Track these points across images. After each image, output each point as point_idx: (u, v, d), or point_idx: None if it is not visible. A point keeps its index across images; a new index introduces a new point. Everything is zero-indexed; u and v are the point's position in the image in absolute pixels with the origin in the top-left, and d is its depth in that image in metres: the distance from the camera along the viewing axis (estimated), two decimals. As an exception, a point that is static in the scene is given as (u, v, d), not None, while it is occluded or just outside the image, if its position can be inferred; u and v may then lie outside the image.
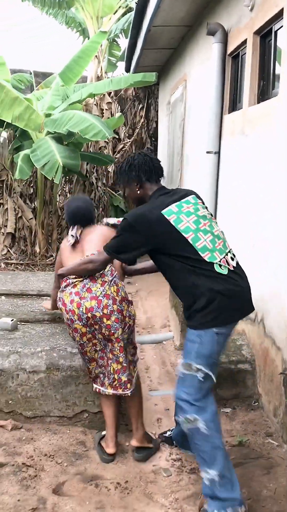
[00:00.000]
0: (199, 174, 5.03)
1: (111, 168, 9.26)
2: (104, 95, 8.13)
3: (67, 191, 8.27)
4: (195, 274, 2.26)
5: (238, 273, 2.34)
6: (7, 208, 7.07)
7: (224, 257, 2.30)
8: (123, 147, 9.63)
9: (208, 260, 2.26)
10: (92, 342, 2.68)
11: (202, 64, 5.15)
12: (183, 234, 2.27)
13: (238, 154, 3.86)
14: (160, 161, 2.54)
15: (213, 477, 2.18)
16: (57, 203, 7.93)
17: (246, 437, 2.91)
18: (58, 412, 2.92)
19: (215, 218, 4.56)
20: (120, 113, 7.35)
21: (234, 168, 4.00)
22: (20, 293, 4.03)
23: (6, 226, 7.07)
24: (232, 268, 2.31)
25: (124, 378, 2.67)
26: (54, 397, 2.90)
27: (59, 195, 8.61)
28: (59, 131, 5.83)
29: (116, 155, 9.47)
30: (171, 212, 2.30)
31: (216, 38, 4.25)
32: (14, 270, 6.58)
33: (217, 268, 2.26)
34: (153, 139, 10.18)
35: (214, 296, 2.23)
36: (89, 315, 2.59)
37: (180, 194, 2.42)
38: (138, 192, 2.46)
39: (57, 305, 2.80)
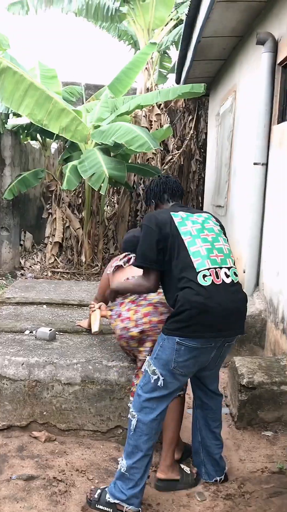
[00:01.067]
0: (246, 186, 4.90)
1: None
2: (153, 106, 8.14)
3: (115, 201, 8.32)
4: (179, 281, 2.29)
5: (224, 289, 2.28)
6: (55, 218, 7.18)
7: (214, 268, 2.29)
8: (171, 159, 9.60)
9: (195, 267, 2.27)
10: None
11: (251, 74, 5.04)
12: (182, 236, 2.34)
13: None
14: (177, 182, 2.68)
15: (122, 466, 2.32)
16: (105, 213, 8.00)
17: (286, 464, 2.75)
18: (92, 426, 2.88)
19: (262, 232, 4.41)
20: (168, 125, 7.31)
21: (282, 180, 3.85)
22: (61, 303, 4.04)
23: (54, 235, 7.19)
24: (218, 282, 2.27)
25: None
26: (89, 411, 2.86)
27: (107, 206, 8.68)
28: (106, 143, 5.87)
29: (164, 166, 9.45)
30: (178, 215, 2.42)
31: (266, 48, 4.14)
32: (60, 279, 6.66)
33: (199, 279, 2.25)
34: (202, 150, 10.09)
35: (185, 306, 2.23)
36: (146, 320, 2.63)
37: (194, 210, 2.54)
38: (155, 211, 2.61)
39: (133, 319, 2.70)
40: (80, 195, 7.60)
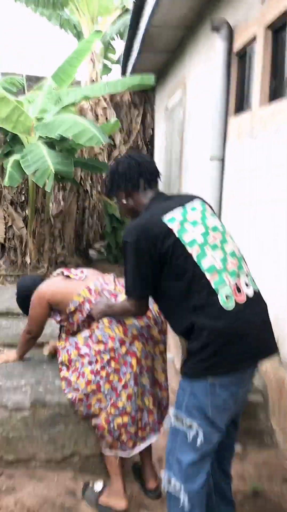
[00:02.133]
0: (200, 182, 4.68)
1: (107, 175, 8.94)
2: (99, 99, 7.80)
3: (60, 199, 7.91)
4: (192, 305, 1.80)
5: (250, 305, 1.82)
6: (-4, 217, 6.68)
7: (235, 284, 1.81)
8: (118, 154, 9.29)
9: (213, 286, 1.78)
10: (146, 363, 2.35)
11: (203, 65, 4.82)
12: (187, 248, 1.81)
13: (246, 159, 3.51)
14: (152, 161, 2.12)
15: None
16: (50, 211, 7.57)
17: (260, 484, 2.53)
18: (44, 456, 2.53)
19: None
20: (116, 119, 7.00)
21: (240, 175, 3.65)
22: (5, 312, 3.65)
23: (-5, 235, 6.68)
24: (242, 300, 1.80)
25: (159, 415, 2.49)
26: (40, 438, 2.51)
27: (52, 203, 8.25)
28: (51, 136, 5.47)
29: (111, 161, 9.13)
30: (173, 220, 1.86)
31: (221, 35, 3.92)
32: (3, 284, 6.19)
33: (222, 302, 1.77)
34: (150, 146, 9.85)
35: (210, 338, 1.75)
36: (163, 317, 2.33)
37: (185, 199, 2.00)
38: (128, 203, 2.06)
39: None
40: (23, 192, 7.12)
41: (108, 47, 9.59)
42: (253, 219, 3.34)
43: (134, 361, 2.25)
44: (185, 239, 1.83)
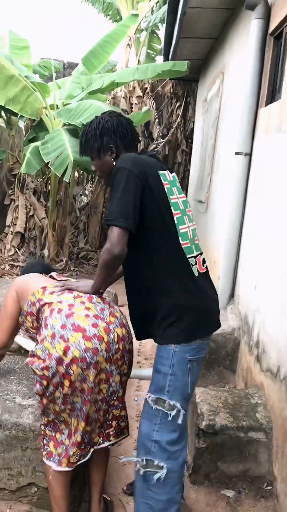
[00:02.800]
0: (228, 180, 4.22)
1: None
2: (134, 88, 7.41)
3: (87, 191, 7.61)
4: (168, 267, 1.84)
5: (206, 278, 1.97)
6: (18, 205, 6.45)
7: (198, 255, 1.93)
8: (155, 148, 8.89)
9: (185, 252, 1.87)
10: (100, 387, 1.94)
11: (241, 52, 4.34)
12: (172, 208, 1.85)
13: (273, 156, 3.03)
14: (132, 125, 2.00)
15: None
16: (77, 203, 7.29)
17: None
18: (-3, 483, 2.19)
19: (241, 234, 3.74)
20: (148, 108, 6.59)
21: (267, 174, 3.17)
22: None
23: (15, 224, 6.45)
24: (203, 271, 1.94)
25: (123, 424, 2.11)
26: (-7, 463, 2.17)
27: (81, 195, 7.96)
28: (73, 123, 5.14)
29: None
30: (165, 178, 1.89)
31: (256, 13, 3.45)
32: (18, 274, 5.94)
33: (191, 266, 1.87)
34: (189, 140, 9.40)
35: (185, 309, 1.84)
36: (121, 346, 1.96)
37: (166, 166, 1.98)
38: (114, 163, 1.89)
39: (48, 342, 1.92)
40: (49, 181, 6.86)
41: (152, 36, 9.18)
42: (278, 220, 2.86)
43: (67, 383, 1.86)
44: (171, 199, 1.86)
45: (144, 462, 1.85)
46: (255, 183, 3.48)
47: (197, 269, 1.89)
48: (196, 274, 1.88)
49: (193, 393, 1.94)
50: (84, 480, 2.29)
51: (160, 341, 1.86)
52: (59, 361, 1.84)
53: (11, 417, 2.15)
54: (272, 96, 3.42)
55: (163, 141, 9.00)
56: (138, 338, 2.02)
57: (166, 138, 9.03)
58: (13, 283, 2.23)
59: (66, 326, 1.87)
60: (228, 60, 5.20)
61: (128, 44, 7.75)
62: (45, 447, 2.00)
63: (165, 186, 1.85)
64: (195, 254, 1.90)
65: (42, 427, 2.02)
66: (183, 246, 1.85)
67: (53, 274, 2.32)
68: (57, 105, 5.92)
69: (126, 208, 1.72)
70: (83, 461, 2.00)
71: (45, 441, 2.01)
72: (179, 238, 1.85)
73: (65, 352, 1.83)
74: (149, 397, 1.88)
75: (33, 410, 2.17)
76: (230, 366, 3.55)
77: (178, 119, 9.21)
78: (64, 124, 5.64)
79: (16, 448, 2.15)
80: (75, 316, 1.90)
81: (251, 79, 3.52)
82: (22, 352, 2.82)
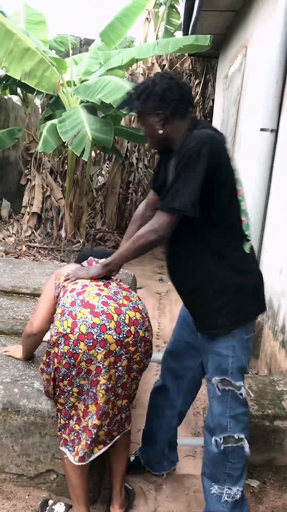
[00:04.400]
0: (251, 157, 4.05)
1: (157, 149, 8.38)
2: (153, 64, 7.20)
3: (104, 172, 7.47)
4: (231, 248, 1.82)
5: (254, 254, 1.96)
6: (34, 185, 6.35)
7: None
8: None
9: (244, 230, 1.84)
10: (109, 373, 1.83)
11: (266, 23, 4.13)
12: (237, 185, 1.81)
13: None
14: (190, 86, 1.97)
15: (236, 493, 1.95)
16: (94, 183, 7.17)
17: (275, 538, 2.02)
18: (15, 469, 2.14)
19: (265, 215, 3.60)
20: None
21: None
22: (10, 290, 3.27)
23: (32, 205, 6.37)
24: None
25: (124, 416, 2.00)
26: (11, 449, 2.11)
27: (98, 175, 7.84)
28: (91, 100, 4.99)
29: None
30: (229, 150, 1.81)
31: (285, -20, 3.25)
32: (35, 255, 5.88)
33: (245, 246, 1.84)
34: (209, 119, 9.16)
35: (249, 286, 1.85)
36: (133, 330, 1.85)
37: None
38: (161, 131, 1.81)
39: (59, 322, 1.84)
40: (66, 161, 6.74)
41: (171, 11, 8.89)
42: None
43: (76, 362, 1.78)
44: (235, 175, 1.81)
45: (222, 440, 1.91)
46: (282, 160, 3.32)
47: (251, 245, 1.89)
48: (249, 252, 1.86)
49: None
50: (104, 465, 2.23)
51: (225, 329, 1.84)
52: (67, 338, 1.77)
53: (29, 402, 2.08)
54: (301, 69, 3.24)
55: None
56: (201, 329, 1.94)
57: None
58: (53, 274, 2.14)
59: (76, 303, 1.82)
60: (251, 34, 4.97)
61: (147, 19, 7.52)
62: (62, 434, 1.94)
63: (232, 163, 1.80)
64: (250, 230, 1.89)
65: (58, 414, 1.95)
66: (243, 223, 1.84)
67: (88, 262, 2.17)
68: (74, 82, 5.76)
69: (189, 195, 1.67)
70: (94, 457, 1.92)
71: (60, 428, 1.95)
72: (241, 214, 1.84)
73: (72, 329, 1.76)
74: (213, 379, 1.90)
75: (52, 396, 2.10)
76: (253, 351, 3.43)
77: (197, 97, 8.97)
78: (82, 102, 5.50)
79: (35, 434, 2.08)
80: (86, 293, 1.85)
81: (278, 52, 3.33)
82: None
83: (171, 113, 1.78)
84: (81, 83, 5.55)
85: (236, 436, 1.90)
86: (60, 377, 1.83)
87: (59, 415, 1.95)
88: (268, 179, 3.52)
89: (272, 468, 2.43)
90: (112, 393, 1.87)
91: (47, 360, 1.91)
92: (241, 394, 1.89)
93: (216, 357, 1.88)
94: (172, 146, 1.83)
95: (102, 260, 2.01)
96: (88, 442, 1.86)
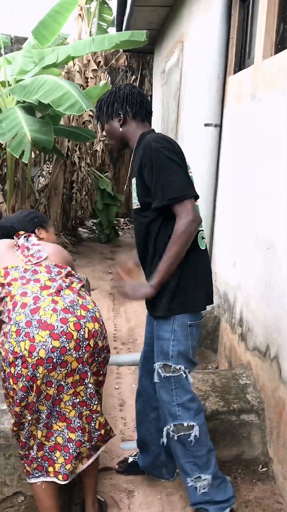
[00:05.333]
0: (195, 154, 4.07)
1: (99, 147, 8.28)
2: (89, 61, 7.11)
3: (45, 172, 7.29)
4: None
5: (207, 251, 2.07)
6: (-27, 191, 6.09)
7: (202, 230, 2.01)
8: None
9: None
10: (76, 390, 1.78)
11: (202, 17, 4.15)
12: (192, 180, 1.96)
13: (247, 126, 2.90)
14: (149, 97, 1.98)
15: (209, 480, 1.99)
16: (36, 185, 6.98)
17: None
18: (-20, 495, 2.02)
19: (214, 210, 3.62)
20: (105, 81, 6.32)
21: (240, 144, 3.04)
22: None
23: (-28, 211, 6.10)
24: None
25: (101, 420, 1.91)
26: (-26, 474, 1.99)
27: (39, 176, 7.64)
28: (28, 100, 4.83)
29: (104, 132, 8.46)
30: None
31: (220, -25, 3.26)
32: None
33: (199, 239, 1.95)
34: (147, 115, 9.18)
35: (193, 278, 1.94)
36: (92, 343, 1.79)
37: None
38: (121, 129, 2.02)
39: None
40: (5, 163, 6.51)
41: (102, 7, 8.78)
42: (255, 193, 2.74)
43: (34, 386, 1.71)
44: (189, 173, 1.96)
45: (173, 428, 1.95)
46: (227, 155, 3.35)
47: (205, 243, 2.01)
48: (204, 248, 1.98)
49: (195, 359, 2.03)
50: (73, 481, 2.15)
51: (166, 312, 1.91)
52: (24, 361, 1.68)
53: (-10, 424, 1.97)
54: (241, 63, 3.27)
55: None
56: (149, 311, 2.06)
57: (124, 113, 8.78)
58: None
59: (32, 324, 1.72)
60: (187, 29, 4.99)
61: (79, 15, 7.38)
62: (25, 465, 1.87)
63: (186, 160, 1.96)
64: (202, 228, 1.99)
65: (18, 442, 1.86)
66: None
67: (21, 239, 2.08)
68: (8, 82, 5.56)
69: (184, 179, 1.83)
70: (74, 475, 1.86)
71: (22, 458, 1.87)
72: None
73: (30, 353, 1.67)
74: (156, 364, 1.96)
75: (14, 415, 1.99)
76: (211, 345, 3.47)
77: (135, 93, 8.96)
78: (18, 102, 5.32)
79: (-2, 456, 1.97)
80: (41, 311, 1.74)
81: (218, 46, 3.36)
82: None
83: (131, 115, 1.99)
84: (16, 83, 5.37)
85: (185, 424, 1.94)
86: (17, 401, 1.73)
87: (19, 445, 1.85)
88: (215, 173, 3.54)
89: (241, 462, 2.45)
90: (84, 407, 1.80)
91: (3, 376, 1.81)
92: (183, 378, 1.93)
93: (159, 341, 1.96)
94: (128, 146, 2.06)
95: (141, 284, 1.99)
96: (68, 458, 1.79)
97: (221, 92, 3.40)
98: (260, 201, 2.60)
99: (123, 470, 2.41)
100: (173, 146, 1.88)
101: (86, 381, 1.79)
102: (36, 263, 1.95)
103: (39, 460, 1.82)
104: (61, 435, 1.78)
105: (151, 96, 8.81)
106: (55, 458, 1.81)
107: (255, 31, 2.92)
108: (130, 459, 2.42)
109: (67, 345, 1.71)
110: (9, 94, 5.36)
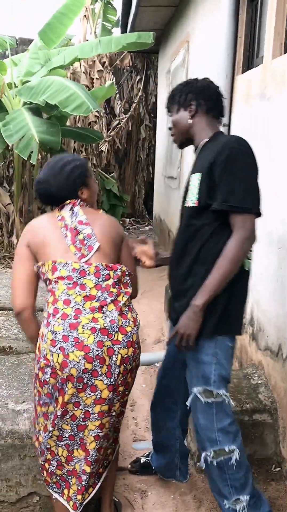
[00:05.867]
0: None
1: (104, 147, 8.29)
2: (94, 62, 7.12)
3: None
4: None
5: None
6: (-20, 192, 6.11)
7: None
8: (118, 124, 8.64)
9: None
10: (102, 421, 1.75)
11: (208, 17, 4.15)
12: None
13: (256, 125, 2.90)
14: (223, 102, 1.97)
15: (247, 501, 1.86)
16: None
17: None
18: (-5, 496, 2.03)
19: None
20: (111, 82, 6.33)
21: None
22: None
23: (-21, 212, 6.13)
24: None
25: (108, 451, 1.90)
26: (-11, 475, 2.00)
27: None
28: (35, 102, 4.84)
29: (110, 132, 8.48)
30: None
31: (227, -26, 3.26)
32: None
33: (248, 263, 1.83)
34: (152, 115, 9.19)
35: (244, 296, 1.87)
36: (122, 369, 1.73)
37: None
38: (190, 121, 1.88)
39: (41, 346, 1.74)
40: (12, 165, 6.54)
41: (107, 7, 8.79)
42: (265, 193, 2.73)
43: (60, 399, 1.70)
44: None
45: (213, 454, 1.84)
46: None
47: (250, 264, 1.87)
48: (248, 269, 1.86)
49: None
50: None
51: (210, 334, 1.78)
52: (54, 372, 1.67)
53: (5, 424, 1.98)
54: (249, 63, 3.27)
55: (125, 117, 8.76)
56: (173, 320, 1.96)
57: (129, 113, 8.79)
58: (23, 230, 1.87)
59: (69, 339, 1.66)
60: (193, 28, 4.99)
61: (85, 16, 7.39)
62: (43, 472, 1.86)
63: None
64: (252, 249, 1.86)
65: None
66: None
67: (66, 213, 1.83)
68: (15, 83, 5.58)
69: (255, 193, 1.72)
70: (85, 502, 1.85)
71: (40, 465, 1.87)
72: None
73: (61, 368, 1.65)
74: (195, 389, 1.84)
75: (28, 415, 2.00)
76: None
77: (140, 93, 8.98)
78: (25, 103, 5.33)
79: (14, 457, 1.98)
80: (80, 328, 1.67)
81: (225, 45, 3.34)
82: (7, 350, 2.63)
83: (205, 109, 1.86)
84: (22, 84, 5.38)
85: (226, 449, 1.83)
86: (40, 401, 1.73)
87: (37, 454, 1.86)
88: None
89: (254, 462, 2.44)
90: (105, 440, 1.79)
91: (34, 373, 1.80)
92: (226, 403, 1.82)
93: (198, 365, 1.83)
94: (192, 142, 1.92)
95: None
96: (80, 488, 1.78)
97: (229, 91, 3.39)
98: (271, 200, 2.60)
99: (135, 470, 2.41)
100: (251, 149, 1.76)
101: (111, 410, 1.76)
102: (86, 261, 1.76)
103: (58, 478, 1.82)
104: (79, 463, 1.78)
105: (155, 96, 8.84)
106: (71, 483, 1.81)
107: (263, 30, 2.92)
108: (143, 460, 2.42)
109: (99, 369, 1.67)
110: (16, 96, 5.38)
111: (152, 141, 9.21)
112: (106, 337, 1.68)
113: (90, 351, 1.65)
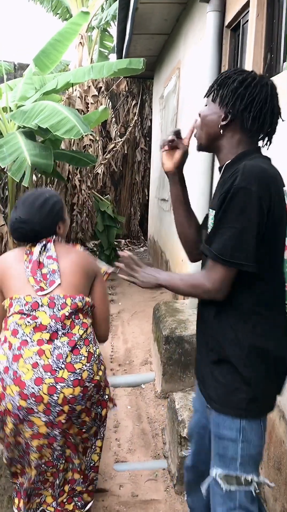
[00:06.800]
0: (192, 175, 4.15)
1: (100, 169, 8.41)
2: (89, 87, 7.27)
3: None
4: (279, 314, 1.42)
5: None
6: (-26, 214, 6.18)
7: None
8: (114, 147, 8.78)
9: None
10: (41, 453, 1.75)
11: (196, 45, 4.29)
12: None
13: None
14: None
15: None
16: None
17: None
18: None
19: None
20: (105, 106, 6.46)
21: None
22: None
23: (-27, 233, 6.18)
24: None
25: (79, 488, 1.89)
26: None
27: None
28: (28, 125, 4.95)
29: (106, 155, 8.61)
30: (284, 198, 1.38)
31: (211, 6, 3.38)
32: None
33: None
34: (148, 139, 9.35)
35: (279, 365, 1.43)
36: (66, 408, 1.66)
37: None
38: (219, 125, 1.44)
39: None
40: (6, 187, 6.63)
41: (103, 34, 9.04)
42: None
43: (6, 428, 1.73)
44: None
45: None
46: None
47: None
48: None
49: None
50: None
51: (238, 411, 1.40)
52: None
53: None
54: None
55: (121, 140, 8.90)
56: (207, 399, 1.50)
57: (124, 137, 8.94)
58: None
59: (8, 371, 1.63)
60: (183, 56, 5.14)
61: (80, 43, 7.59)
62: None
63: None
64: None
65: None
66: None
67: (37, 248, 1.79)
68: (10, 108, 5.71)
69: (246, 244, 1.30)
70: None
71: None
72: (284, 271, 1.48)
73: (0, 400, 1.67)
74: (214, 472, 1.44)
75: (4, 435, 2.02)
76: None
77: (135, 117, 9.14)
78: (19, 127, 5.44)
79: (-11, 477, 1.99)
80: (21, 362, 1.62)
81: (211, 73, 3.46)
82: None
83: (241, 120, 1.41)
84: (17, 108, 5.50)
85: None
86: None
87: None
88: (209, 193, 3.62)
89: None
90: (50, 467, 1.80)
91: None
92: (253, 491, 1.42)
93: (220, 441, 1.43)
94: (217, 154, 1.52)
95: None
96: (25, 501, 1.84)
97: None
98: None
99: None
100: (264, 189, 1.29)
101: (54, 444, 1.73)
102: (44, 294, 1.72)
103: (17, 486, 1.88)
104: (26, 479, 1.84)
105: (151, 120, 9.00)
106: (20, 493, 1.88)
107: (244, 58, 3.02)
108: None
109: (35, 407, 1.61)
110: (10, 120, 5.49)
111: (147, 164, 9.35)
112: (49, 373, 1.61)
113: (25, 388, 1.60)
